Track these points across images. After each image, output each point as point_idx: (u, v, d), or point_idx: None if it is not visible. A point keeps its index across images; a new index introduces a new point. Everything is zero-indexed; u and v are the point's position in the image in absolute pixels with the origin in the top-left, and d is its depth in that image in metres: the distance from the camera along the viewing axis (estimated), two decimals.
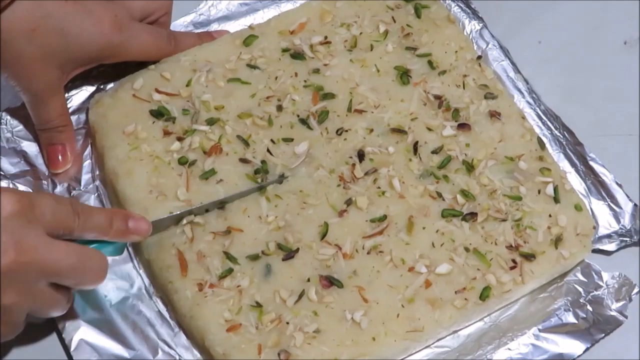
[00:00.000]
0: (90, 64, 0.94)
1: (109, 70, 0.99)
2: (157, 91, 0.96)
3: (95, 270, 0.80)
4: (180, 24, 1.03)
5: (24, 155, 0.94)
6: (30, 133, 0.95)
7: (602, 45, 1.08)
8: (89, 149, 0.96)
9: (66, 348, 0.86)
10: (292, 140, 0.94)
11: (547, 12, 1.10)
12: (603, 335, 0.88)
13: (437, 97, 0.97)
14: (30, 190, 0.92)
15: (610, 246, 0.94)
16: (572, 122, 1.00)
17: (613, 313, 0.89)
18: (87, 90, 0.98)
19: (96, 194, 0.94)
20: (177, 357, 0.86)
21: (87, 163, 0.96)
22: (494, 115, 0.97)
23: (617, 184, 0.96)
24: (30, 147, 0.95)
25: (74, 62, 0.92)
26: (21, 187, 0.92)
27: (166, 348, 0.86)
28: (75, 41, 0.89)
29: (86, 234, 0.80)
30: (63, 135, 0.93)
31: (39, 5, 0.87)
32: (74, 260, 0.77)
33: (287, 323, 0.85)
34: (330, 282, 0.87)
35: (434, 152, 0.94)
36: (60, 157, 0.93)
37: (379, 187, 0.92)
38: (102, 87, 0.99)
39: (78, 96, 0.98)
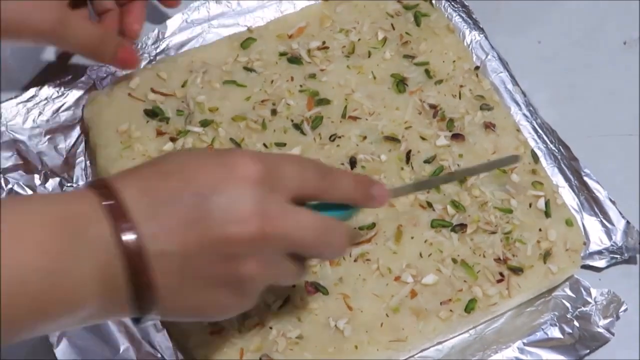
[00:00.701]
0: None
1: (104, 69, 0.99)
2: (153, 91, 0.96)
3: (339, 243, 0.74)
4: (176, 21, 1.03)
5: (17, 149, 0.94)
6: (24, 127, 0.95)
7: (602, 45, 1.08)
8: (82, 145, 0.96)
9: (50, 346, 0.85)
10: (284, 145, 0.94)
11: (547, 12, 1.09)
12: (588, 351, 0.88)
13: (433, 107, 0.97)
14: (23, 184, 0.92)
15: (601, 263, 0.94)
16: (572, 122, 1.00)
17: (600, 330, 0.89)
18: (83, 87, 0.98)
19: None
20: (160, 356, 0.86)
21: (80, 160, 0.95)
22: (489, 126, 0.96)
23: (610, 200, 0.95)
24: (24, 141, 0.94)
25: None
26: (12, 181, 0.92)
27: (150, 349, 0.86)
28: None
29: (333, 199, 0.74)
30: (110, 47, 0.93)
31: None
32: (321, 232, 0.72)
33: (270, 328, 0.85)
34: (316, 288, 0.87)
35: (427, 161, 0.94)
36: (129, 59, 0.95)
37: None
38: (98, 84, 0.99)
39: (74, 93, 0.98)
